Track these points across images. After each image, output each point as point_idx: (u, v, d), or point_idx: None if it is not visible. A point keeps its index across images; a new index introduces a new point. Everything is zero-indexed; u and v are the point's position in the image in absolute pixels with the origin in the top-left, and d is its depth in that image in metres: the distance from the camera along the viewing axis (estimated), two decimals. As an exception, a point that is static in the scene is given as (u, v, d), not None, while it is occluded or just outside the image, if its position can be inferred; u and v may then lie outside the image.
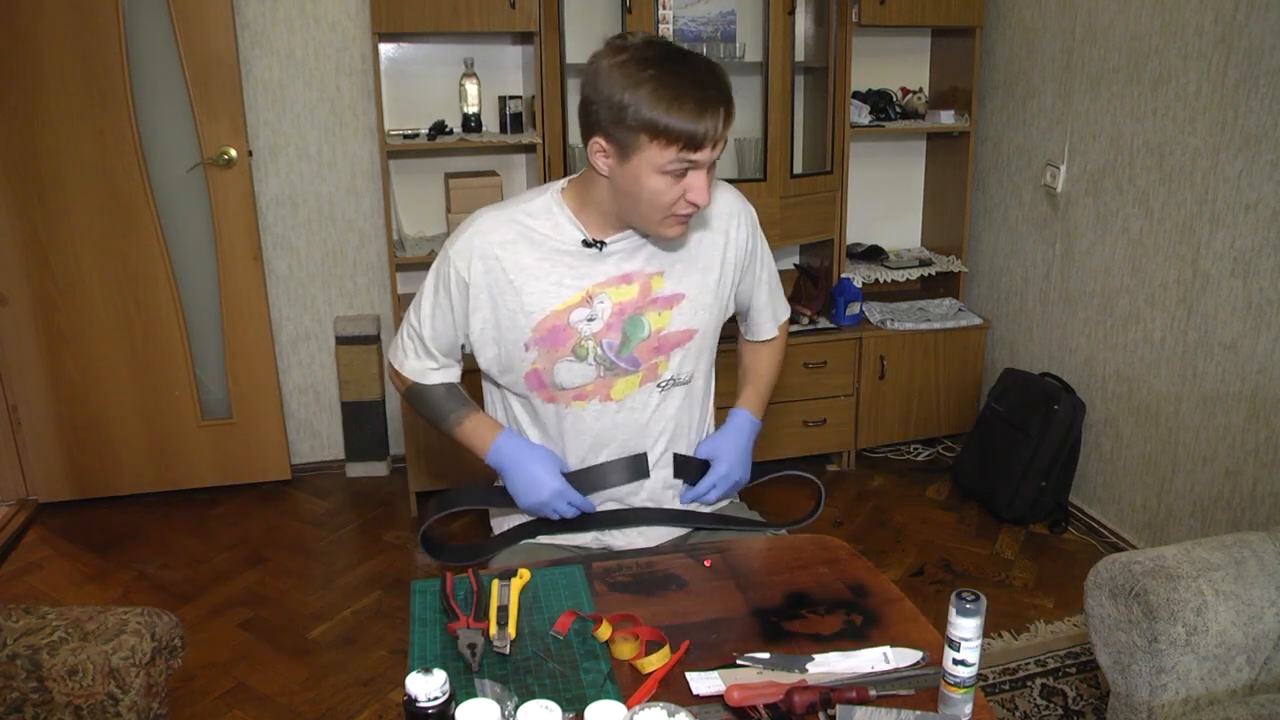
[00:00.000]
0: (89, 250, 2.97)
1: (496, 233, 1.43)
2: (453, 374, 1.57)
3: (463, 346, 1.54)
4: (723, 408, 1.67)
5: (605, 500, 1.55)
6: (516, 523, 1.58)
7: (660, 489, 1.56)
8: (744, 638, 1.24)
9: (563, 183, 1.47)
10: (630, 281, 1.44)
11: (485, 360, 1.51)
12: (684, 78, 1.26)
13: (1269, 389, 2.34)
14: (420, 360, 1.55)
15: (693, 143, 1.27)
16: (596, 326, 1.44)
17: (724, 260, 1.51)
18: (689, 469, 1.57)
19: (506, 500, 1.52)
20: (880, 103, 3.35)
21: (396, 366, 1.58)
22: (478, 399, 1.61)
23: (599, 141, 1.32)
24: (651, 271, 1.45)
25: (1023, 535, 2.96)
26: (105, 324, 3.04)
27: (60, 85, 2.81)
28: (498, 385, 1.56)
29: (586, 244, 1.43)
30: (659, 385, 1.50)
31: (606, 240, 1.43)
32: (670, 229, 1.37)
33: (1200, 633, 1.44)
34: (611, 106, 1.28)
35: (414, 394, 1.58)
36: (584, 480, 1.50)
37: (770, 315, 1.67)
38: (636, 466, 1.52)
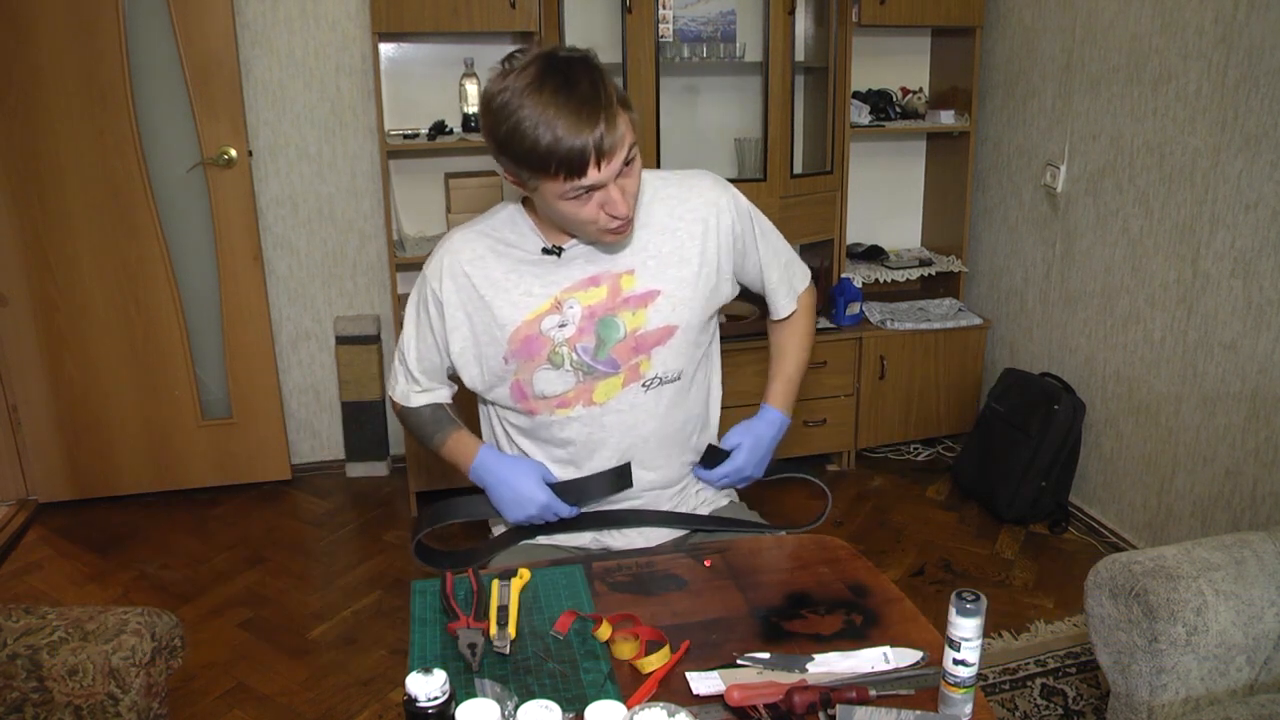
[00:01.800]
0: (89, 250, 2.97)
1: (466, 250, 1.44)
2: (438, 396, 1.56)
3: (449, 369, 1.53)
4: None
5: (604, 501, 1.54)
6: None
7: (660, 490, 1.56)
8: (744, 638, 1.23)
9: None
10: (598, 284, 1.43)
11: (469, 379, 1.51)
12: (552, 103, 1.21)
13: (1269, 389, 2.34)
14: (407, 384, 1.55)
15: (577, 168, 1.23)
16: (568, 332, 1.43)
17: (704, 251, 1.47)
18: (713, 457, 1.57)
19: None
20: (880, 103, 3.35)
21: (389, 391, 1.60)
22: (472, 412, 1.60)
23: (505, 174, 1.32)
24: (620, 271, 1.44)
25: (1023, 535, 2.96)
26: (105, 324, 3.04)
27: (60, 85, 2.81)
28: (486, 401, 1.56)
29: (546, 251, 1.43)
30: (643, 385, 1.47)
31: (564, 246, 1.42)
32: (606, 238, 1.36)
33: (1200, 633, 1.44)
34: (495, 143, 1.27)
35: (402, 415, 1.60)
36: (568, 492, 1.49)
37: (786, 290, 1.62)
38: (620, 476, 1.50)
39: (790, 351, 1.67)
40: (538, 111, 1.21)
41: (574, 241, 1.43)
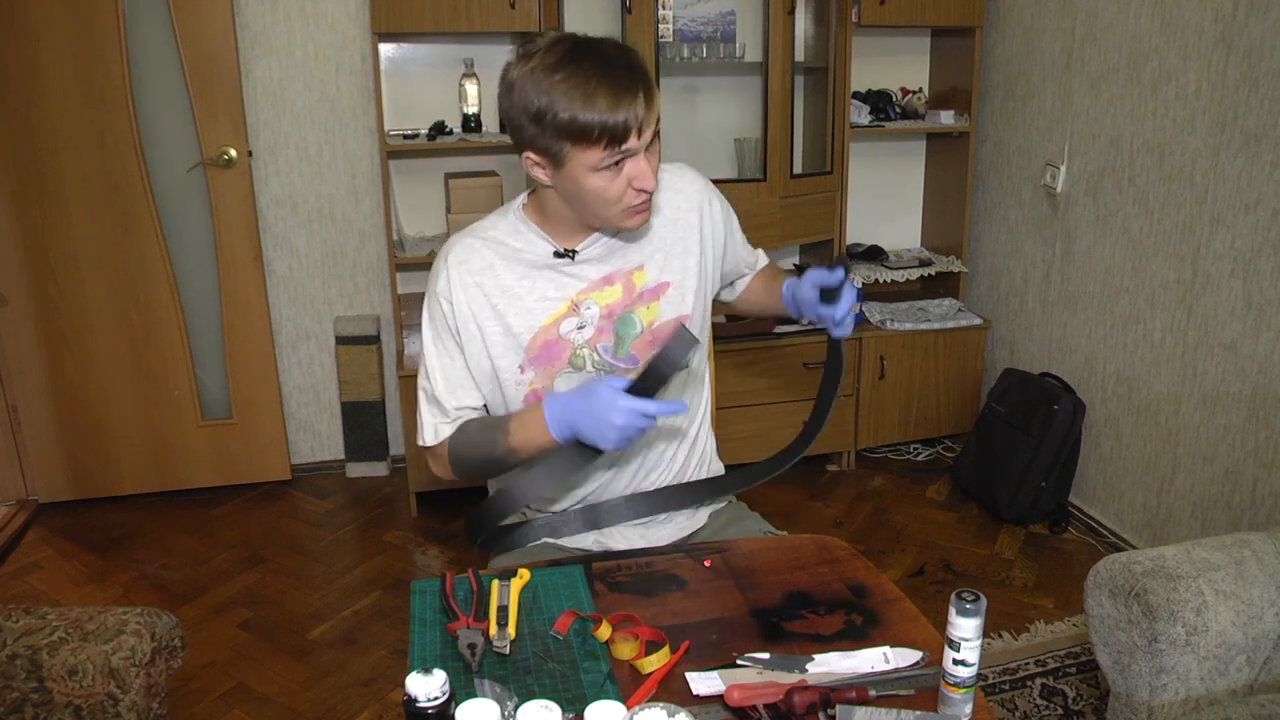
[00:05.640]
0: (89, 250, 2.97)
1: (472, 260, 1.41)
2: (468, 413, 1.47)
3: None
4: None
5: (609, 495, 1.54)
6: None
7: (659, 475, 1.55)
8: (744, 638, 1.23)
9: (522, 198, 1.46)
10: (612, 282, 1.44)
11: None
12: (592, 71, 1.23)
13: (1269, 389, 2.34)
14: (437, 424, 1.46)
15: (616, 136, 1.25)
16: (588, 333, 1.43)
17: (702, 239, 1.50)
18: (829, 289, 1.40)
19: (553, 484, 1.44)
20: (880, 103, 3.35)
21: (430, 442, 1.47)
22: None
23: (530, 155, 1.31)
24: (631, 268, 1.45)
25: (1023, 535, 2.96)
26: (105, 324, 3.04)
27: (60, 85, 2.81)
28: None
29: (559, 255, 1.42)
30: None
31: (577, 248, 1.42)
32: (630, 220, 1.35)
33: (1200, 633, 1.44)
34: (529, 118, 1.26)
35: (453, 459, 1.46)
36: (643, 385, 1.30)
37: (752, 250, 1.66)
38: (683, 342, 1.30)
39: (766, 277, 1.65)
40: (582, 77, 1.23)
41: (588, 241, 1.43)
